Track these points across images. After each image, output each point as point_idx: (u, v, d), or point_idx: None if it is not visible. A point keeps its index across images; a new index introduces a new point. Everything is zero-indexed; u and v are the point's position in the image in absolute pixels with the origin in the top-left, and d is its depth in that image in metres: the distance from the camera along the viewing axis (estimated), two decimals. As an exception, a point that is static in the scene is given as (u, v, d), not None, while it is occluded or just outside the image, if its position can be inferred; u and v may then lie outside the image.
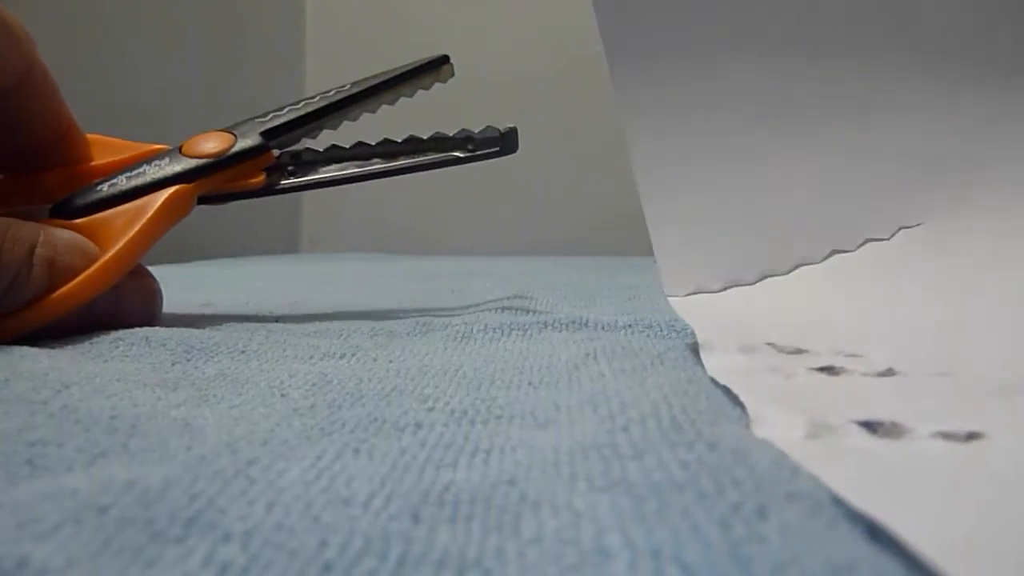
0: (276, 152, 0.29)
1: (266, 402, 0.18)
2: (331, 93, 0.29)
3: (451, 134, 0.29)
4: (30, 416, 0.15)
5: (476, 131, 0.28)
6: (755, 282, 0.23)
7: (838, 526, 0.10)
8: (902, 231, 0.22)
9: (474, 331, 0.26)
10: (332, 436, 0.15)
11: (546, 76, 0.98)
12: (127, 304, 0.26)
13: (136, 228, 0.26)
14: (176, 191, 0.27)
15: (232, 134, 0.28)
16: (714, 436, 0.13)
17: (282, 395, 0.18)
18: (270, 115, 0.29)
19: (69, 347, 0.23)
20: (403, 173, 0.29)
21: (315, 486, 0.12)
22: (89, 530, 0.10)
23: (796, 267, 0.23)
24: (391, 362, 0.22)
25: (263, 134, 0.28)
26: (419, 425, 0.16)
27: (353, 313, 0.31)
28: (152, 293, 0.28)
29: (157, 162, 0.27)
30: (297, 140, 0.29)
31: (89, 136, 0.29)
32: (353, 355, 0.22)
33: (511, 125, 0.28)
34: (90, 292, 0.25)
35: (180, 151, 0.28)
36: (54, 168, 0.28)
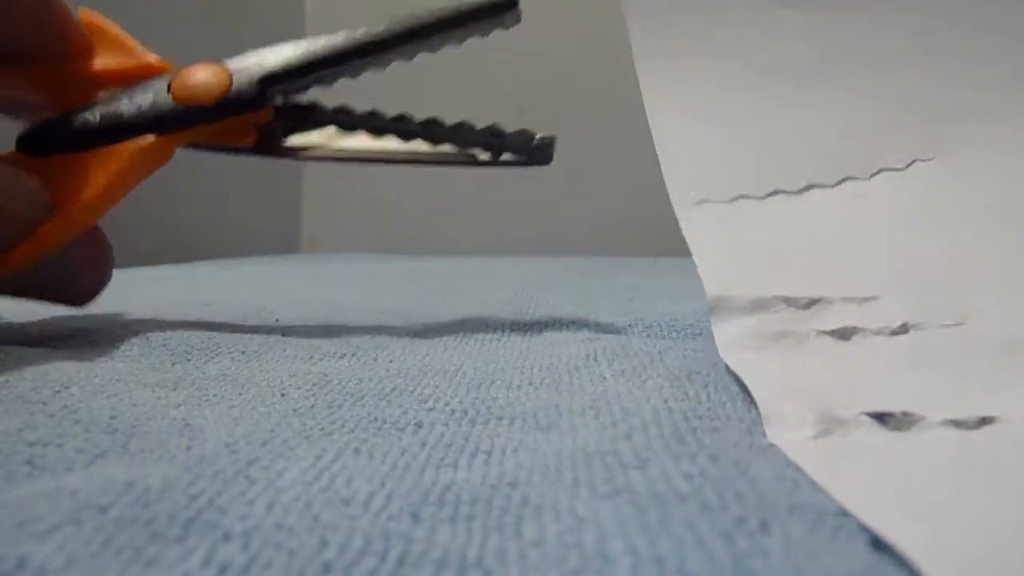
0: (276, 102, 0.25)
1: (266, 402, 0.18)
2: (359, 33, 0.25)
3: (478, 127, 0.25)
4: (30, 416, 0.15)
5: (507, 131, 0.25)
6: (764, 197, 0.22)
7: (840, 537, 0.10)
8: (917, 163, 0.22)
9: (474, 331, 0.26)
10: (332, 436, 0.15)
11: (547, 76, 0.98)
12: (74, 270, 0.23)
13: (100, 181, 0.23)
14: (150, 144, 0.23)
15: (228, 73, 0.24)
16: (716, 446, 0.13)
17: (282, 395, 0.18)
18: (278, 51, 0.25)
19: (69, 347, 0.23)
20: (418, 163, 0.26)
21: (315, 486, 0.12)
22: (89, 530, 0.10)
23: (807, 188, 0.22)
24: (391, 362, 0.22)
25: (263, 80, 0.24)
26: (419, 425, 0.16)
27: (353, 313, 0.31)
28: (104, 261, 0.24)
29: (140, 94, 0.24)
30: (306, 88, 0.25)
31: (90, 21, 0.25)
32: (353, 355, 0.22)
33: (550, 135, 0.25)
34: (36, 252, 0.22)
35: (168, 88, 0.24)
36: (39, 63, 0.24)
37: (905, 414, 0.15)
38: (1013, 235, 0.21)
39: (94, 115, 0.23)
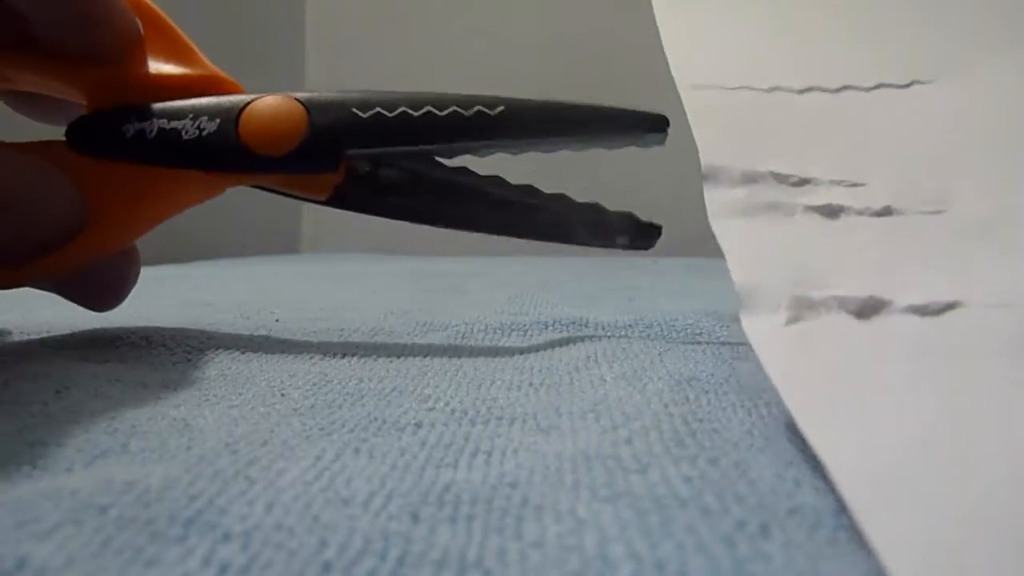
0: (360, 169, 0.22)
1: (266, 402, 0.18)
2: (472, 110, 0.21)
3: (576, 200, 0.23)
4: (30, 416, 0.15)
5: (609, 209, 0.23)
6: (766, 90, 0.23)
7: (840, 541, 0.10)
8: (916, 84, 0.23)
9: (474, 331, 0.26)
10: (332, 436, 0.15)
11: (547, 76, 0.98)
12: (97, 276, 0.22)
13: (144, 204, 0.21)
14: (205, 177, 0.21)
15: (306, 119, 0.21)
16: (716, 449, 0.13)
17: (282, 395, 0.18)
18: (369, 100, 0.21)
19: (69, 347, 0.23)
20: (514, 235, 0.23)
21: (315, 486, 0.12)
22: (89, 530, 0.10)
23: (808, 89, 0.23)
24: (391, 362, 0.22)
25: (344, 138, 0.21)
26: (419, 425, 0.16)
27: (353, 313, 0.31)
28: (131, 268, 0.22)
29: (205, 120, 0.21)
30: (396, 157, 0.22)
31: (148, 11, 0.22)
32: (353, 355, 0.22)
33: (657, 223, 0.23)
34: (59, 268, 0.20)
35: (236, 122, 0.21)
36: (85, 60, 0.21)
37: (872, 298, 0.16)
38: (1001, 137, 0.21)
39: (151, 128, 0.21)
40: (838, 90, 0.23)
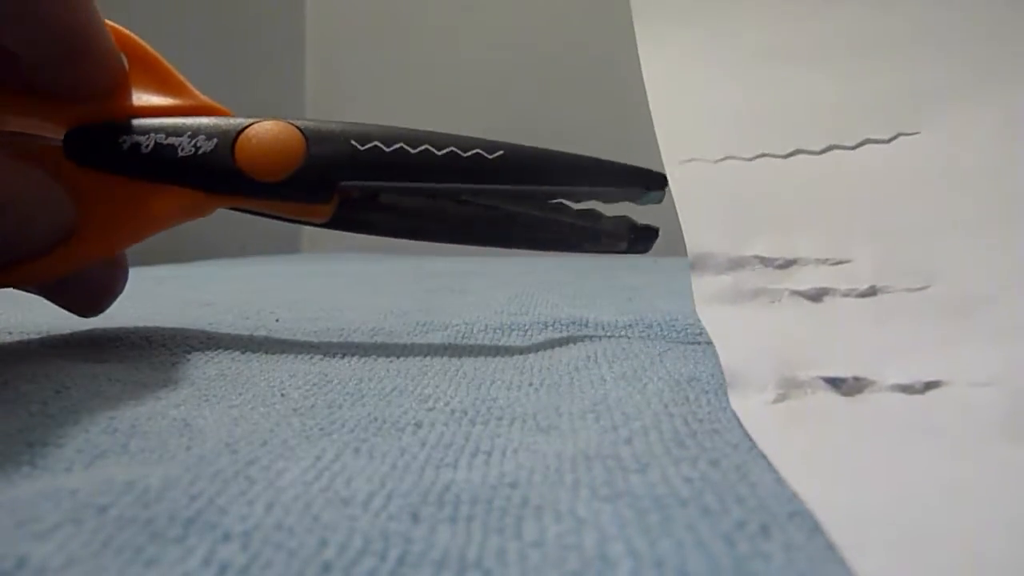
0: (353, 195, 0.22)
1: (266, 402, 0.18)
2: (468, 152, 0.21)
3: (573, 207, 0.23)
4: (30, 416, 0.15)
5: (605, 215, 0.23)
6: (751, 159, 0.23)
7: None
8: (901, 137, 0.23)
9: (474, 331, 0.26)
10: (332, 436, 0.15)
11: (547, 76, 0.98)
12: (83, 282, 0.22)
13: (134, 218, 0.20)
14: (198, 196, 0.21)
15: (304, 147, 0.21)
16: (716, 451, 0.13)
17: (282, 395, 0.18)
18: (373, 139, 0.21)
19: (69, 347, 0.23)
20: (513, 247, 0.23)
21: (315, 486, 0.12)
22: (88, 530, 0.10)
23: (794, 152, 0.23)
24: (391, 362, 0.22)
25: (340, 171, 0.21)
26: (419, 425, 0.16)
27: (353, 313, 0.31)
28: (117, 276, 0.22)
29: (202, 139, 0.21)
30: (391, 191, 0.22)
31: (132, 46, 0.22)
32: (353, 355, 0.22)
33: (653, 226, 0.23)
34: (44, 274, 0.20)
35: (233, 146, 0.21)
36: (69, 95, 0.21)
37: (856, 378, 0.16)
38: (984, 201, 0.21)
39: (148, 142, 0.21)
40: (824, 151, 0.23)
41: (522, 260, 0.59)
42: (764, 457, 0.13)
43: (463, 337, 0.25)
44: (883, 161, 0.22)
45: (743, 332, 0.18)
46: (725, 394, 0.17)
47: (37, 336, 0.24)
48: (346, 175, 0.21)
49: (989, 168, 0.22)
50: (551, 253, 0.24)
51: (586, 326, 0.27)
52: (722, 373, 0.19)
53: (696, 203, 0.21)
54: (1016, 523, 0.10)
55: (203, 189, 0.21)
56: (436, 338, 0.25)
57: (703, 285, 0.20)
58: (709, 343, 0.24)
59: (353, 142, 0.21)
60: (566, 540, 0.10)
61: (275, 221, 0.23)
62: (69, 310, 0.23)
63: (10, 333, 0.25)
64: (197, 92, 0.22)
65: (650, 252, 0.24)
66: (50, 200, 0.20)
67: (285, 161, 0.21)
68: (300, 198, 0.21)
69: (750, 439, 0.14)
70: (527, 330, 0.26)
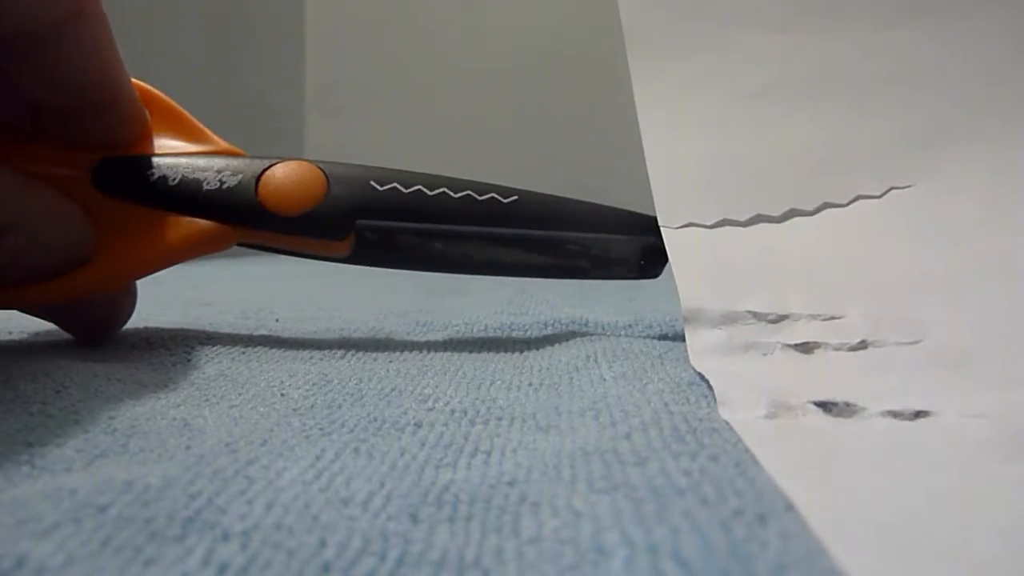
0: (367, 236, 0.22)
1: (266, 402, 0.18)
2: (484, 196, 0.22)
3: (586, 236, 0.23)
4: (29, 416, 0.15)
5: (616, 240, 0.23)
6: (747, 223, 0.23)
7: None
8: (893, 191, 0.23)
9: (474, 331, 0.26)
10: (331, 436, 0.15)
11: (548, 75, 0.98)
12: (89, 308, 0.22)
13: (154, 248, 0.21)
14: (219, 230, 0.21)
15: (325, 187, 0.22)
16: (716, 447, 0.13)
17: (282, 395, 0.18)
18: (392, 180, 0.22)
19: (69, 347, 0.23)
20: (528, 276, 0.23)
21: (314, 486, 0.12)
22: (88, 529, 0.10)
23: (788, 214, 0.23)
24: (391, 362, 0.22)
25: (357, 212, 0.22)
26: (419, 425, 0.16)
27: (353, 313, 0.31)
28: (125, 304, 0.23)
29: (227, 175, 0.22)
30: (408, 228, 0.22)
31: (150, 96, 0.23)
32: (353, 355, 0.22)
33: (662, 247, 0.23)
34: (57, 297, 0.21)
35: (256, 183, 0.21)
36: (93, 144, 0.21)
37: (848, 403, 0.16)
38: (977, 254, 0.22)
39: (175, 175, 0.21)
40: (817, 209, 0.23)
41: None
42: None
43: (463, 337, 0.25)
44: (876, 217, 0.23)
45: (732, 372, 0.18)
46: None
47: (37, 336, 0.24)
48: (363, 213, 0.22)
49: (982, 220, 0.22)
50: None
51: (586, 326, 0.27)
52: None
53: (691, 264, 0.22)
54: (1008, 532, 0.10)
55: (224, 221, 0.22)
56: (436, 338, 0.25)
57: (696, 338, 0.20)
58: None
59: (373, 183, 0.22)
60: (562, 534, 0.10)
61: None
62: (75, 335, 0.23)
63: (10, 333, 0.25)
64: (218, 139, 0.23)
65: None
66: (66, 222, 0.20)
67: (305, 198, 0.22)
68: (318, 234, 0.22)
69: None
70: (527, 330, 0.26)
